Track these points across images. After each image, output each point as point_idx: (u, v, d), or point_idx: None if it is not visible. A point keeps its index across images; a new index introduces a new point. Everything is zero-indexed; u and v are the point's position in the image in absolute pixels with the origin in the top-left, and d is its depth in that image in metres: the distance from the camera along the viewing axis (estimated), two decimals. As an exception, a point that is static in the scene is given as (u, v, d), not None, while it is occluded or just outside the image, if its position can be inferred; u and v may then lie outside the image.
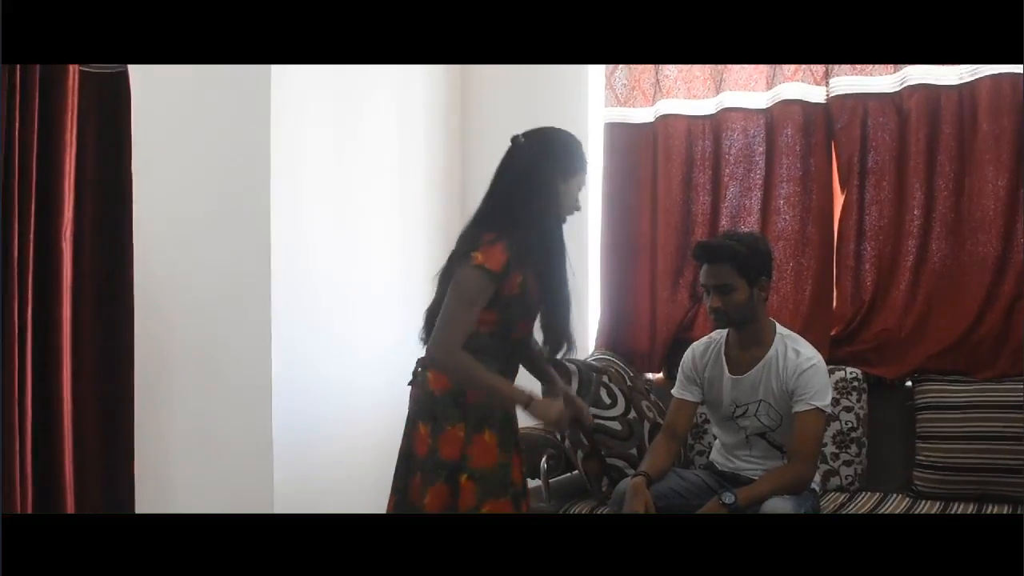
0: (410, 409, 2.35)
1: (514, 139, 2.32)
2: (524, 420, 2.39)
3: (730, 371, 2.62)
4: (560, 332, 2.29)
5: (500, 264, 2.20)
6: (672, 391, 2.74)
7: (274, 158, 2.82)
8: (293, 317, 2.95)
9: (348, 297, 3.19)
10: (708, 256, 2.54)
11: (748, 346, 2.60)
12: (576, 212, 2.34)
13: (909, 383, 3.09)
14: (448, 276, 2.29)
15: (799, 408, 2.48)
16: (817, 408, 2.47)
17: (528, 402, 2.26)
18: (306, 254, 3.00)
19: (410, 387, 2.37)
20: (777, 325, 2.63)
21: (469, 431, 2.25)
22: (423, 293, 2.43)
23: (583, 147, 2.35)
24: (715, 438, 2.81)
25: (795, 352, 2.53)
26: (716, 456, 2.76)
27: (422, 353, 2.37)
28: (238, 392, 2.93)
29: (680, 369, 2.73)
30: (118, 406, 2.58)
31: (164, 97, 2.83)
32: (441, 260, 2.37)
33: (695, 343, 2.77)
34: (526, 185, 2.25)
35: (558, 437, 2.92)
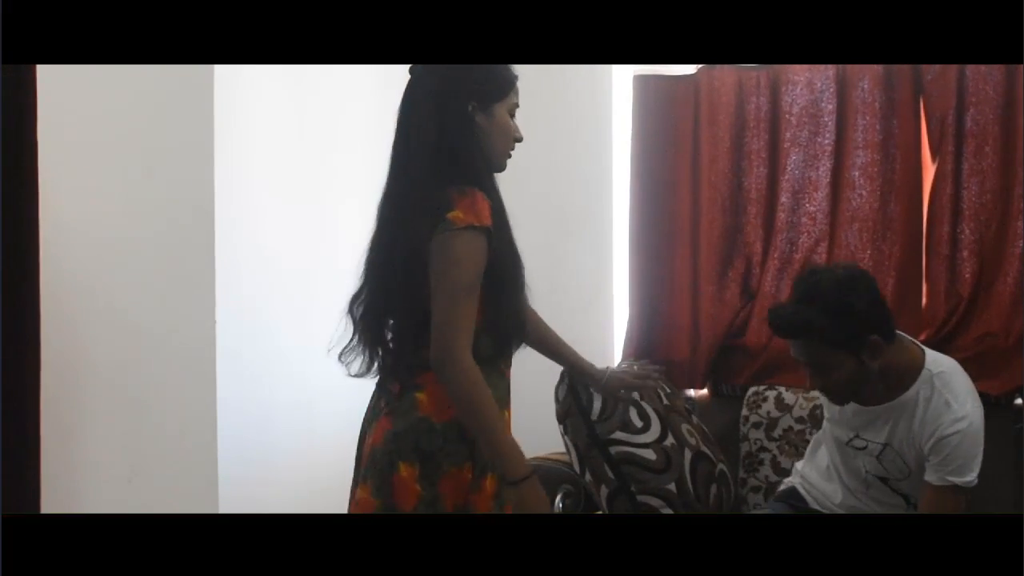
0: (377, 449, 1.93)
1: (410, 70, 1.96)
2: (532, 449, 2.19)
3: None
4: (520, 322, 1.98)
5: (488, 215, 1.83)
6: None
7: (219, 159, 2.70)
8: (242, 332, 2.79)
9: (307, 312, 2.97)
10: (782, 333, 2.21)
11: (881, 379, 2.24)
12: (517, 143, 1.97)
13: (1019, 400, 2.82)
14: (392, 261, 1.91)
15: (931, 479, 2.17)
16: (955, 486, 2.14)
17: (526, 477, 1.87)
18: (259, 267, 2.87)
19: (376, 419, 1.97)
20: (928, 357, 2.25)
21: (477, 474, 1.94)
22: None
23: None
24: (796, 460, 2.61)
25: (945, 403, 2.17)
26: (810, 476, 2.45)
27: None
28: (173, 421, 2.76)
29: None
30: (20, 431, 2.40)
31: (105, 95, 2.72)
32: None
33: None
34: (436, 128, 1.89)
35: (577, 470, 2.70)
